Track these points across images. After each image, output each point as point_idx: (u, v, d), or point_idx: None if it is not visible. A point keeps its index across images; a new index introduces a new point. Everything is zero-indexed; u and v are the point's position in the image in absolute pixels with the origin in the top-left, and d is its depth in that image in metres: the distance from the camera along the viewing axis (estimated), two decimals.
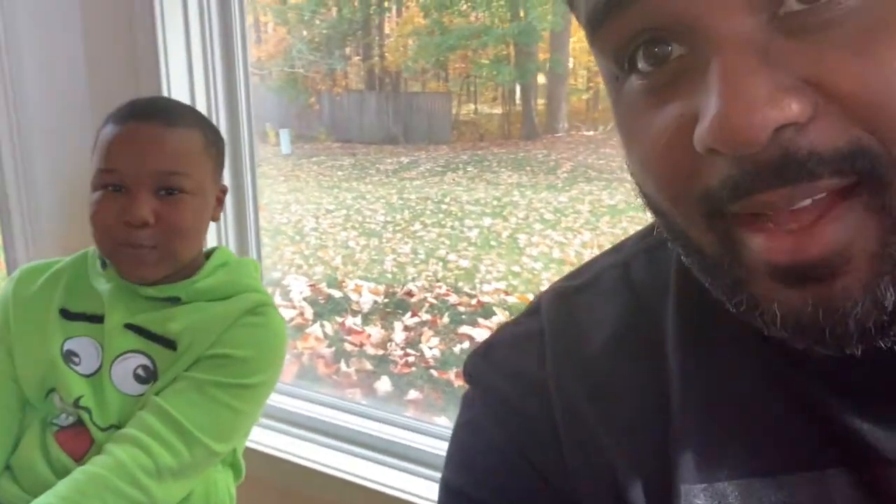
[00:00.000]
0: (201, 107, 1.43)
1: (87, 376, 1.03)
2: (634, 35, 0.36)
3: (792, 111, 0.31)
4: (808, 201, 0.32)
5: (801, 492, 0.40)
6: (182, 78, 1.39)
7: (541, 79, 7.60)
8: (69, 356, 1.04)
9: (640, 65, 0.37)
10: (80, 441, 1.01)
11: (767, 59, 0.32)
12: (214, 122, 1.45)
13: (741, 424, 0.42)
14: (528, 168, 6.21)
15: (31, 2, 1.38)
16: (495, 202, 5.19)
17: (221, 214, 1.50)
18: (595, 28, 0.38)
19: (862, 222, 0.32)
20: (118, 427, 1.01)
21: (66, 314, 1.06)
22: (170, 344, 1.02)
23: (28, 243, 1.44)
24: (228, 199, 1.49)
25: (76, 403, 1.01)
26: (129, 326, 1.03)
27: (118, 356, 1.02)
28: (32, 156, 1.43)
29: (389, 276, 3.80)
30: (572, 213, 4.69)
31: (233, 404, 0.99)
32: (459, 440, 0.51)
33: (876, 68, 0.31)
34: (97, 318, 1.04)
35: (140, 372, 1.02)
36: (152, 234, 0.98)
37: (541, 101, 7.55)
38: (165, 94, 1.36)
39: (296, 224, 4.79)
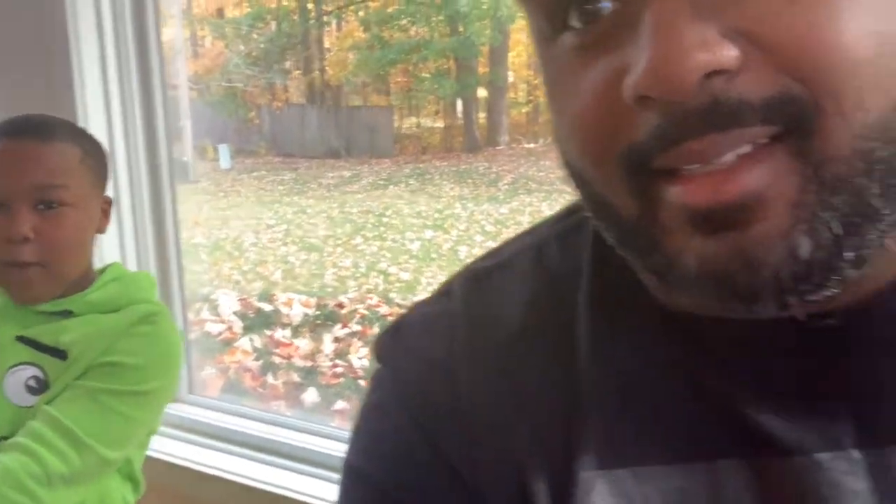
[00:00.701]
0: (118, 130, 1.44)
1: None
2: None
3: (722, 57, 0.31)
4: (733, 155, 0.32)
5: (694, 481, 0.40)
6: (97, 103, 1.40)
7: (481, 92, 7.69)
8: None
9: (573, 22, 0.36)
10: None
11: (698, 9, 0.31)
12: (130, 142, 1.46)
13: (642, 412, 0.41)
14: (469, 180, 6.26)
15: None
16: (437, 215, 5.23)
17: (141, 232, 1.50)
18: None
19: (783, 169, 0.32)
20: (8, 439, 1.00)
21: None
22: (60, 354, 1.02)
23: None
24: (148, 219, 1.50)
25: None
26: (21, 339, 1.02)
27: (10, 368, 1.02)
28: None
29: (329, 290, 3.80)
30: (513, 225, 4.74)
31: (124, 411, 0.99)
32: (365, 422, 0.50)
33: (804, 17, 0.31)
34: None
35: (32, 383, 1.02)
36: (35, 250, 0.97)
37: (482, 115, 7.63)
38: (81, 121, 1.36)
39: (234, 240, 4.76)
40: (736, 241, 0.32)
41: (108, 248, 1.42)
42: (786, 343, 0.38)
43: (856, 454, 0.37)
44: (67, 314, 1.04)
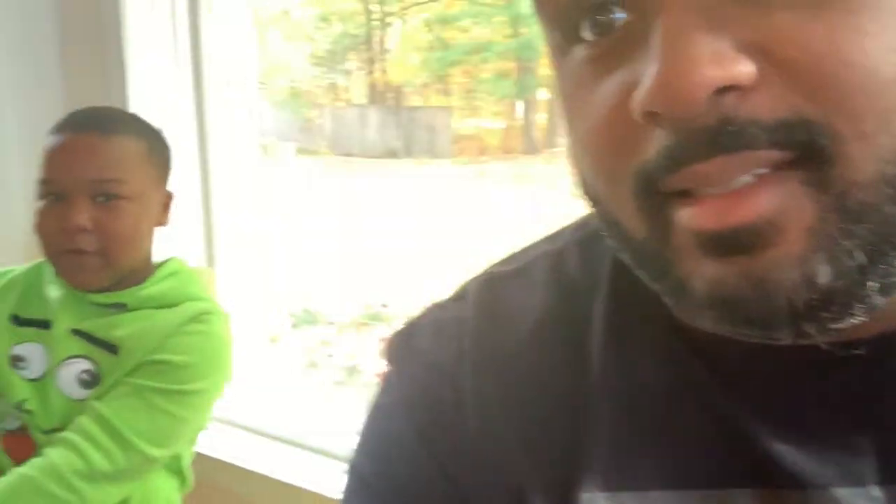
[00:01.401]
0: (172, 125, 1.47)
1: (33, 380, 1.05)
2: (579, 1, 0.34)
3: (734, 72, 0.29)
4: (745, 177, 0.30)
5: None
6: (153, 99, 1.44)
7: (542, 95, 7.63)
8: (15, 360, 1.06)
9: (585, 34, 0.35)
10: (23, 446, 1.04)
11: (713, 21, 0.30)
12: (183, 140, 1.49)
13: (652, 434, 0.40)
14: (527, 182, 6.21)
15: (9, 34, 1.43)
16: (492, 216, 5.20)
17: (192, 229, 1.53)
18: None
19: (798, 195, 0.30)
20: (61, 430, 1.02)
21: (16, 320, 1.08)
22: (112, 349, 1.03)
23: (1, 252, 1.49)
24: (198, 215, 1.53)
25: (19, 407, 1.04)
26: (76, 332, 1.05)
27: (63, 360, 1.04)
28: (8, 175, 1.47)
29: (382, 288, 3.82)
30: None
31: (171, 410, 1.00)
32: (370, 423, 0.50)
33: (825, 35, 0.29)
34: (46, 324, 1.06)
35: (84, 376, 1.04)
36: (92, 240, 0.99)
37: (542, 116, 7.57)
38: (133, 110, 1.40)
39: (291, 235, 4.82)
40: (748, 265, 0.31)
41: (160, 243, 1.46)
42: (808, 371, 0.36)
43: (876, 491, 0.35)
44: (121, 307, 1.05)
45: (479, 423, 0.44)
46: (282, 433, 1.48)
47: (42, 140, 1.32)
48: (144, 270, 1.09)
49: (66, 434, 0.97)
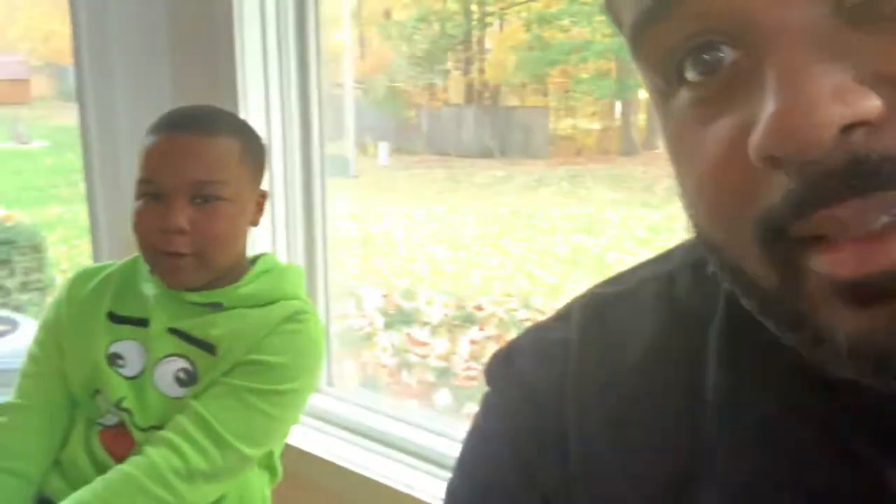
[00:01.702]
0: (276, 127, 1.51)
1: (131, 378, 1.08)
2: (681, 41, 0.33)
3: (861, 108, 0.27)
4: (883, 219, 0.28)
5: None
6: (258, 99, 1.47)
7: (642, 94, 7.46)
8: (114, 359, 1.09)
9: (689, 75, 0.33)
10: (122, 441, 1.07)
11: (831, 52, 0.28)
12: (287, 138, 1.52)
13: (774, 467, 0.38)
14: (623, 184, 6.09)
15: (124, 35, 1.50)
16: (587, 218, 5.13)
17: (292, 226, 1.56)
18: (639, 37, 0.35)
19: None
20: (159, 428, 1.05)
21: (113, 318, 1.11)
22: (209, 348, 1.06)
23: (113, 246, 1.56)
24: (299, 212, 1.56)
25: (118, 405, 1.07)
26: (173, 331, 1.07)
27: (161, 359, 1.07)
28: (122, 179, 1.54)
29: (473, 289, 3.82)
30: (667, 232, 4.57)
31: (267, 410, 1.02)
32: (470, 445, 0.49)
33: None
34: (143, 322, 1.09)
35: (181, 375, 1.06)
36: (188, 241, 1.01)
37: (641, 117, 7.41)
38: (243, 115, 1.44)
39: (386, 235, 4.89)
40: (891, 314, 0.29)
41: (259, 239, 1.50)
42: None
43: None
44: (217, 306, 1.07)
45: (582, 456, 0.43)
46: (373, 431, 1.49)
47: None
48: (239, 268, 1.11)
49: (166, 433, 1.00)
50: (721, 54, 0.32)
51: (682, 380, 0.42)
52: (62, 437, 1.11)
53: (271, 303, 1.08)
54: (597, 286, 0.50)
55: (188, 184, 1.01)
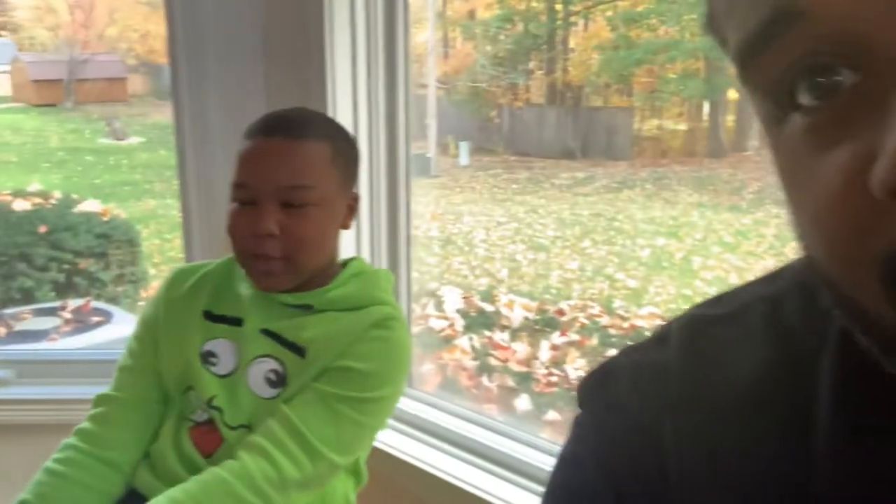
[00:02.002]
0: (363, 126, 1.51)
1: (223, 377, 1.09)
2: (795, 62, 0.30)
3: None
4: None
5: None
6: (346, 98, 1.48)
7: (731, 94, 7.24)
8: (207, 357, 1.10)
9: (803, 99, 0.31)
10: (210, 438, 1.08)
11: None
12: (373, 138, 1.53)
13: None
14: (710, 187, 5.93)
15: (218, 35, 1.53)
16: (671, 221, 5.02)
17: (376, 225, 1.56)
18: (748, 59, 0.33)
19: None
20: (248, 427, 1.06)
21: (208, 316, 1.13)
22: (300, 351, 1.06)
23: (205, 255, 1.59)
24: (383, 212, 1.56)
25: (209, 403, 1.08)
26: (265, 332, 1.08)
27: (253, 359, 1.08)
28: (214, 175, 1.58)
29: (553, 291, 3.78)
30: (756, 237, 4.42)
31: (356, 418, 1.02)
32: (561, 471, 0.48)
33: None
34: (237, 322, 1.10)
35: (271, 376, 1.07)
36: (278, 245, 1.02)
37: (730, 118, 7.19)
38: (331, 113, 1.45)
39: (466, 235, 4.89)
40: None
41: (343, 235, 1.51)
42: None
43: None
44: (308, 308, 1.08)
45: (681, 490, 0.40)
46: (453, 435, 1.48)
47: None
48: (329, 271, 1.12)
49: (259, 440, 1.01)
50: (839, 77, 0.29)
51: (791, 417, 0.39)
52: (154, 431, 1.14)
53: (361, 307, 1.09)
54: (698, 306, 0.47)
55: (277, 188, 1.02)
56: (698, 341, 0.44)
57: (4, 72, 6.99)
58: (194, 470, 1.06)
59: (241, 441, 1.05)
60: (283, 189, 1.02)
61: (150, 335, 1.15)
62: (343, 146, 1.09)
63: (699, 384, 0.42)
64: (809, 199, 0.31)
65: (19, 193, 3.76)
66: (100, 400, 1.15)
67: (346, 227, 1.12)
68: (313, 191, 1.03)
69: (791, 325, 0.42)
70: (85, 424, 1.13)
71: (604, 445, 0.45)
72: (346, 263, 1.15)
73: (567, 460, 0.47)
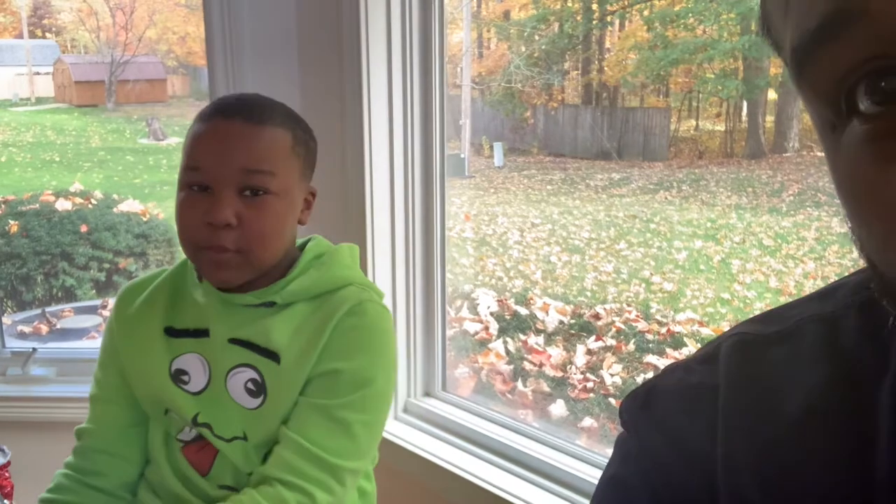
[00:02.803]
0: (398, 126, 1.51)
1: (196, 394, 1.04)
2: (855, 66, 0.29)
3: None
4: None
5: None
6: (382, 99, 1.48)
7: (770, 94, 7.11)
8: (178, 375, 1.04)
9: (863, 105, 0.29)
10: (204, 455, 1.05)
11: None
12: (408, 139, 1.52)
13: None
14: (749, 189, 5.84)
15: (255, 37, 1.54)
16: (709, 224, 4.94)
17: (410, 226, 1.56)
18: (803, 61, 0.31)
19: None
20: (244, 438, 1.02)
21: (171, 332, 1.06)
22: (274, 356, 1.00)
23: None
24: (418, 212, 1.55)
25: (194, 422, 1.03)
26: (234, 341, 1.02)
27: (229, 371, 1.02)
28: None
29: (588, 294, 3.74)
30: (796, 240, 4.34)
31: (363, 418, 0.99)
32: (604, 493, 0.46)
33: None
34: (201, 333, 1.04)
35: (250, 385, 1.02)
36: (234, 238, 0.95)
37: (769, 119, 7.07)
38: (366, 115, 1.45)
39: (500, 236, 4.87)
40: None
41: (378, 236, 1.50)
42: None
43: None
44: (271, 305, 1.02)
45: None
46: (487, 440, 1.47)
47: None
48: (286, 260, 1.05)
49: (282, 474, 0.96)
50: None
51: (850, 442, 0.37)
52: (141, 453, 1.10)
53: (327, 292, 1.01)
54: (748, 323, 0.45)
55: (236, 172, 0.94)
56: (748, 361, 0.42)
57: (48, 73, 7.14)
58: (196, 490, 1.04)
59: (241, 453, 1.02)
60: (242, 173, 0.95)
61: (112, 361, 1.10)
62: (302, 136, 1.02)
63: (752, 408, 0.40)
64: (876, 216, 0.30)
65: (61, 193, 3.84)
66: (79, 433, 1.11)
67: (302, 222, 1.05)
68: (274, 178, 0.96)
69: (849, 347, 0.40)
70: (70, 458, 1.11)
71: (647, 464, 0.43)
72: (302, 246, 1.08)
73: (612, 482, 0.45)
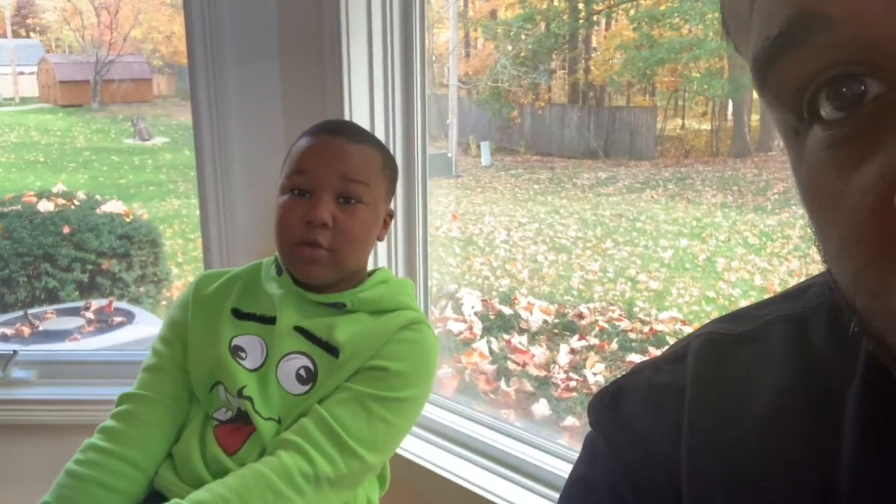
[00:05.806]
0: (379, 126, 1.51)
1: (252, 370, 1.10)
2: (817, 72, 0.29)
3: None
4: None
5: None
6: (363, 99, 1.48)
7: (756, 94, 7.13)
8: (236, 350, 1.12)
9: (825, 111, 0.29)
10: (235, 437, 1.09)
11: None
12: (389, 140, 1.52)
13: None
14: (734, 187, 5.87)
15: (235, 37, 1.53)
16: (694, 222, 4.96)
17: (392, 233, 1.56)
18: (766, 67, 0.31)
19: None
20: (278, 421, 1.08)
21: (237, 314, 1.15)
22: (333, 351, 1.08)
23: (223, 254, 1.60)
24: (399, 217, 1.55)
25: (240, 393, 1.09)
26: (298, 329, 1.10)
27: (284, 356, 1.09)
28: (232, 176, 1.58)
29: (574, 293, 3.75)
30: (780, 238, 4.37)
31: (389, 418, 1.04)
32: (571, 493, 0.46)
33: None
34: (267, 320, 1.12)
35: (302, 372, 1.09)
36: (328, 236, 1.06)
37: (754, 118, 7.11)
38: (347, 115, 1.45)
39: (487, 235, 4.88)
40: None
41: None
42: None
43: None
44: (341, 307, 1.11)
45: None
46: (470, 440, 1.47)
47: (261, 146, 1.41)
48: (359, 276, 1.15)
49: (294, 438, 1.02)
50: (863, 87, 0.27)
51: (815, 441, 0.37)
52: (177, 430, 1.15)
53: (389, 310, 1.11)
54: (717, 322, 0.45)
55: (336, 179, 1.06)
56: (716, 361, 0.42)
57: (32, 73, 7.10)
58: (218, 469, 1.07)
59: (272, 434, 1.06)
60: (341, 180, 1.07)
61: (177, 337, 1.17)
62: (390, 161, 1.16)
63: (717, 408, 0.40)
64: (835, 222, 0.30)
65: (44, 194, 3.81)
66: (124, 398, 1.15)
67: (380, 238, 1.16)
68: (366, 189, 1.08)
69: (817, 347, 0.40)
70: (109, 422, 1.14)
71: (614, 464, 0.43)
72: (371, 273, 1.18)
73: (578, 483, 0.45)
